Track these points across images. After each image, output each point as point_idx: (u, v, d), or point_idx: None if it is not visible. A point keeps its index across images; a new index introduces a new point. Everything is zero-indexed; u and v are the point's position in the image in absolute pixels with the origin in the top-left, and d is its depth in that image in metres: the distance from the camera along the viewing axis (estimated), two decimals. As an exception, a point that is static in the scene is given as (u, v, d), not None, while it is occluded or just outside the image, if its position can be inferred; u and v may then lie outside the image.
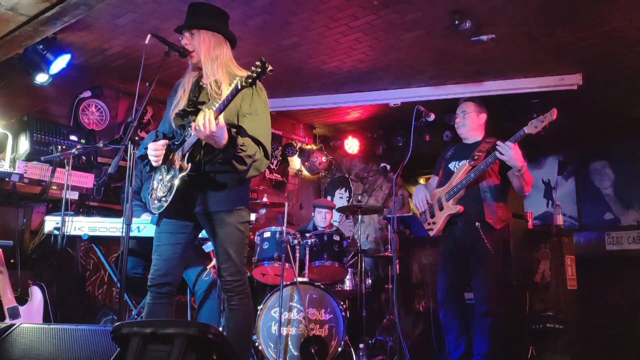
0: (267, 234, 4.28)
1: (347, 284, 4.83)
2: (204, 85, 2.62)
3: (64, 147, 4.49)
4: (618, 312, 5.71)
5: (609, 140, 6.72)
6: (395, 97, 5.48)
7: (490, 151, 3.50)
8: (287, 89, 5.54)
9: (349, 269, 4.73)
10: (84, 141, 4.71)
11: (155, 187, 2.63)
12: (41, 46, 4.16)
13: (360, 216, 5.04)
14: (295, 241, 4.24)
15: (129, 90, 5.27)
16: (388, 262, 5.19)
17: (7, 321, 3.41)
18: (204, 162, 2.54)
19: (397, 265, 3.96)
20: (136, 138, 2.44)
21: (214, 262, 3.54)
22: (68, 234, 3.41)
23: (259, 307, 3.94)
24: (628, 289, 5.82)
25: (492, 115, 3.86)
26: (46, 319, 3.76)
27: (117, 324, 1.85)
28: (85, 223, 3.45)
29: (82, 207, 4.76)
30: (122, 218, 2.73)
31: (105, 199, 5.01)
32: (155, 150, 2.55)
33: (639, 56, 4.54)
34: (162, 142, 2.58)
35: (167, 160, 2.60)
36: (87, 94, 5.04)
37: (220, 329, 3.36)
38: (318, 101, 5.73)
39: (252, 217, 3.27)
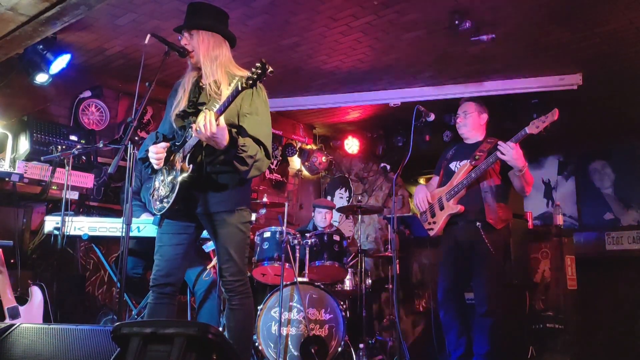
0: (267, 234, 4.28)
1: (347, 284, 4.83)
2: (204, 86, 2.62)
3: (64, 147, 4.49)
4: (618, 312, 5.71)
5: (609, 140, 6.72)
6: (395, 97, 5.48)
7: (492, 151, 3.50)
8: (287, 89, 5.55)
9: (349, 269, 4.73)
10: (84, 141, 4.71)
11: (156, 188, 2.63)
12: (41, 46, 4.16)
13: (360, 216, 5.04)
14: (295, 241, 4.24)
15: (129, 90, 5.27)
16: (388, 262, 5.19)
17: (7, 321, 3.41)
18: (205, 163, 2.54)
19: (397, 265, 3.96)
20: (136, 138, 2.45)
21: (214, 262, 3.54)
22: (68, 234, 3.41)
23: (259, 307, 3.94)
24: (628, 289, 5.81)
25: (492, 115, 3.86)
26: (46, 319, 3.75)
27: (117, 324, 1.85)
28: (85, 223, 3.45)
29: (82, 207, 4.76)
30: (122, 218, 2.73)
31: (105, 199, 5.01)
32: (156, 153, 2.55)
33: (639, 56, 4.54)
34: (163, 145, 2.58)
35: (168, 162, 2.60)
36: (87, 94, 5.04)
37: (220, 329, 3.36)
38: (318, 101, 5.73)
39: (253, 217, 3.27)
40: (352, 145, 6.98)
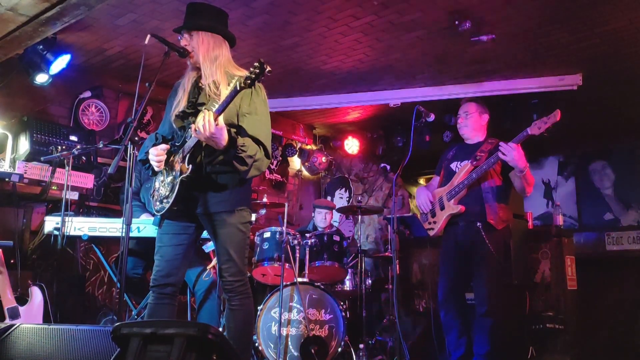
0: (267, 234, 4.28)
1: (347, 284, 4.83)
2: (203, 86, 2.62)
3: (64, 147, 4.49)
4: (618, 312, 5.71)
5: (609, 140, 6.72)
6: (395, 97, 5.48)
7: (493, 152, 3.50)
8: (287, 89, 5.55)
9: (349, 270, 4.73)
10: (84, 141, 4.71)
11: (156, 188, 2.63)
12: (41, 46, 4.16)
13: (360, 216, 5.04)
14: (295, 241, 4.24)
15: (129, 91, 5.27)
16: (388, 262, 5.18)
17: (7, 321, 3.41)
18: (204, 163, 2.54)
19: (397, 266, 3.96)
20: (136, 138, 2.45)
21: (214, 262, 3.54)
22: (68, 234, 3.41)
23: (259, 308, 3.94)
24: (628, 289, 5.81)
25: (492, 116, 3.86)
26: (46, 319, 3.75)
27: (117, 324, 1.85)
28: (85, 223, 3.45)
29: (82, 207, 4.76)
30: (122, 218, 2.73)
31: (105, 199, 5.01)
32: (156, 155, 2.55)
33: (639, 56, 4.54)
34: (163, 147, 2.57)
35: (168, 162, 2.60)
36: (87, 94, 5.04)
37: (220, 329, 3.36)
38: (318, 101, 5.73)
39: (253, 217, 3.27)
40: (352, 145, 6.98)
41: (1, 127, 4.52)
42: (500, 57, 4.62)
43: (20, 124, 4.53)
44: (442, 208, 3.66)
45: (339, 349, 3.90)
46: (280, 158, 6.76)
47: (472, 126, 3.73)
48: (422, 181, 8.68)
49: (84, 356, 2.17)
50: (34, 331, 2.33)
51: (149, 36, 2.62)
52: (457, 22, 3.93)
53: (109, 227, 3.44)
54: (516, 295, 4.44)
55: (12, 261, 4.11)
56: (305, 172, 7.15)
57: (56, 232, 3.43)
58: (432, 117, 3.79)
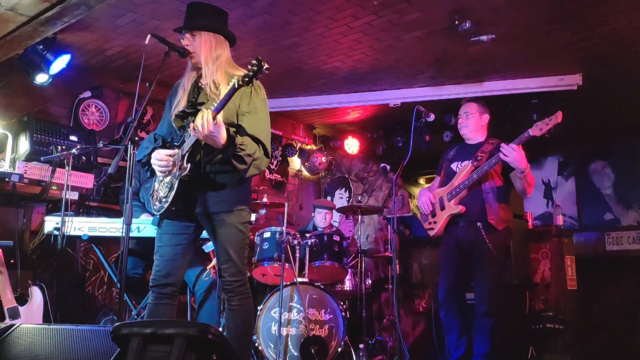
0: (267, 234, 4.28)
1: (347, 284, 4.83)
2: (203, 86, 2.63)
3: (63, 147, 4.49)
4: (618, 312, 5.71)
5: (609, 140, 6.72)
6: (395, 97, 5.48)
7: (493, 152, 3.50)
8: (287, 89, 5.55)
9: (349, 269, 4.73)
10: (84, 141, 4.70)
11: (156, 189, 2.63)
12: (41, 46, 4.16)
13: (360, 216, 5.04)
14: (295, 241, 4.24)
15: (129, 91, 5.27)
16: (388, 262, 5.19)
17: (7, 321, 3.41)
18: (203, 163, 2.54)
19: (397, 266, 3.96)
20: (136, 138, 2.45)
21: (213, 262, 3.54)
22: (68, 234, 3.41)
23: (259, 308, 3.94)
24: (628, 289, 5.81)
25: (492, 116, 3.86)
26: (46, 319, 3.75)
27: (117, 324, 1.85)
28: (85, 223, 3.45)
29: (82, 207, 4.76)
30: (121, 218, 2.73)
31: (105, 199, 5.00)
32: (160, 160, 2.54)
33: (639, 56, 4.54)
34: (169, 152, 2.56)
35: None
36: (87, 94, 5.04)
37: (220, 329, 3.36)
38: (318, 101, 5.73)
39: (252, 217, 3.27)
40: (352, 145, 6.98)
41: (1, 127, 4.52)
42: (500, 57, 4.62)
43: (20, 124, 4.53)
44: (443, 208, 3.66)
45: (339, 349, 3.91)
46: (280, 158, 6.76)
47: (472, 126, 3.73)
48: (422, 181, 8.68)
49: (84, 356, 2.17)
50: (34, 331, 2.33)
51: (149, 36, 2.62)
52: (457, 22, 3.93)
53: (109, 227, 3.44)
54: (516, 295, 4.44)
55: (12, 261, 4.11)
56: (305, 172, 7.15)
57: (56, 232, 3.43)
58: (432, 117, 3.79)
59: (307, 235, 4.42)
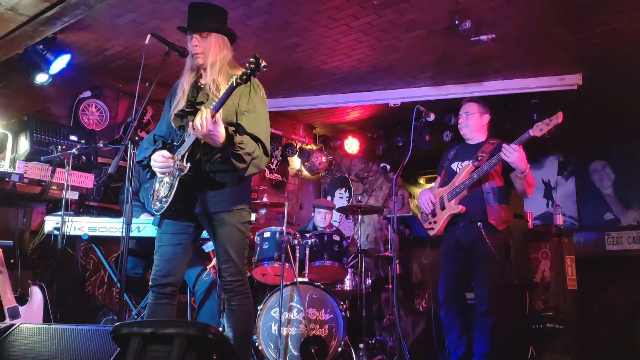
0: (267, 234, 4.28)
1: (347, 284, 4.83)
2: (202, 86, 2.63)
3: (64, 147, 4.49)
4: (618, 312, 5.71)
5: (609, 140, 6.71)
6: (395, 97, 5.48)
7: (494, 152, 3.50)
8: (287, 89, 5.55)
9: (349, 269, 4.72)
10: (84, 141, 4.70)
11: (157, 189, 2.63)
12: (41, 46, 4.16)
13: (360, 216, 5.04)
14: (295, 241, 4.24)
15: (129, 90, 5.27)
16: (388, 262, 5.19)
17: (7, 321, 3.41)
18: (203, 162, 2.54)
19: (397, 265, 3.96)
20: (136, 138, 2.45)
21: (214, 262, 3.54)
22: (68, 234, 3.41)
23: (259, 307, 3.94)
24: (628, 289, 5.81)
25: (492, 116, 3.86)
26: (46, 319, 3.76)
27: (117, 324, 1.85)
28: (85, 223, 3.45)
29: (82, 207, 4.76)
30: (122, 218, 2.73)
31: (105, 199, 5.00)
32: (160, 162, 2.54)
33: (639, 56, 4.54)
34: (168, 154, 2.56)
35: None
36: (87, 94, 5.04)
37: (220, 329, 3.36)
38: (318, 101, 5.73)
39: (252, 217, 3.27)
40: (352, 145, 6.98)
41: (1, 127, 4.52)
42: (500, 56, 4.62)
43: (20, 123, 4.53)
44: (443, 208, 3.66)
45: (339, 349, 3.90)
46: (280, 158, 6.76)
47: (473, 126, 3.72)
48: (422, 181, 8.68)
49: (84, 356, 2.17)
50: (34, 331, 2.33)
51: (149, 36, 2.62)
52: (457, 22, 3.93)
53: (109, 227, 3.44)
54: (516, 295, 4.44)
55: (12, 261, 4.11)
56: (305, 172, 7.15)
57: (56, 232, 3.43)
58: (432, 117, 3.79)
59: (307, 235, 4.42)
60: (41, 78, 4.33)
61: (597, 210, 6.81)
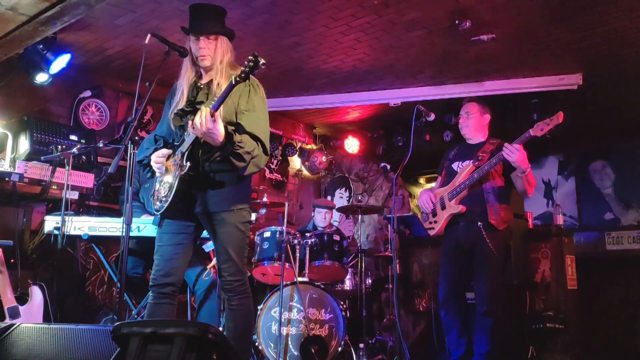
0: (267, 234, 4.28)
1: (347, 284, 4.83)
2: (202, 86, 2.64)
3: (64, 146, 4.49)
4: (618, 312, 5.70)
5: (609, 140, 6.72)
6: (395, 97, 5.48)
7: (495, 152, 3.50)
8: (287, 89, 5.54)
9: (349, 269, 4.72)
10: (84, 141, 4.70)
11: (157, 189, 2.64)
12: (41, 46, 4.15)
13: (360, 216, 5.04)
14: (296, 241, 4.24)
15: (129, 90, 5.27)
16: (388, 262, 5.18)
17: (7, 321, 3.41)
18: (202, 161, 2.54)
19: (397, 265, 3.96)
20: (136, 138, 2.45)
21: (214, 262, 3.54)
22: (68, 233, 3.41)
23: (259, 307, 3.94)
24: (628, 289, 5.81)
25: (492, 115, 3.86)
26: (46, 319, 3.75)
27: (117, 323, 1.85)
28: (85, 223, 3.45)
29: (82, 206, 4.76)
30: (122, 218, 2.73)
31: (105, 199, 5.00)
32: (157, 162, 2.55)
33: (639, 56, 4.54)
34: (164, 152, 2.56)
35: (166, 162, 2.60)
36: (87, 93, 5.04)
37: (220, 329, 3.36)
38: (318, 101, 5.73)
39: (252, 216, 3.27)
40: (352, 145, 6.98)
41: (1, 127, 4.52)
42: (500, 56, 4.62)
43: (21, 123, 4.53)
44: (443, 208, 3.66)
45: (339, 349, 3.90)
46: (281, 157, 6.76)
47: (473, 126, 3.72)
48: (422, 181, 8.68)
49: (84, 356, 2.17)
50: (34, 331, 2.33)
51: (149, 36, 2.62)
52: (457, 22, 3.93)
53: (109, 226, 3.44)
54: (516, 295, 4.44)
55: (12, 261, 4.11)
56: (305, 172, 7.15)
57: (56, 232, 3.43)
58: (432, 117, 3.79)
59: (307, 234, 4.42)
60: (41, 78, 4.33)
61: (597, 210, 6.82)
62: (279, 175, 6.78)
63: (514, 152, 3.32)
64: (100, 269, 4.93)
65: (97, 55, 4.61)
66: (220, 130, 2.36)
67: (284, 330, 3.91)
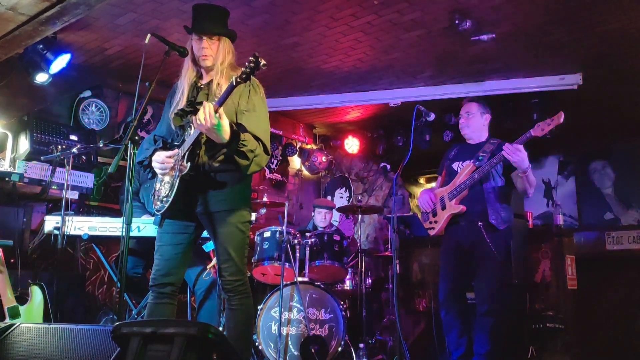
0: (267, 234, 4.28)
1: (347, 284, 4.83)
2: (202, 86, 2.65)
3: (64, 146, 4.49)
4: (618, 312, 5.70)
5: (609, 140, 6.72)
6: (395, 96, 5.47)
7: (495, 152, 3.50)
8: (287, 89, 5.54)
9: (349, 269, 4.72)
10: (84, 141, 4.71)
11: (157, 189, 2.64)
12: (41, 46, 4.15)
13: (360, 216, 5.04)
14: (296, 241, 4.24)
15: (129, 90, 5.27)
16: (388, 262, 5.19)
17: (7, 321, 3.41)
18: (203, 161, 2.54)
19: (397, 265, 3.96)
20: (136, 138, 2.45)
21: (214, 261, 3.54)
22: (68, 233, 3.41)
23: (259, 307, 3.94)
24: (628, 289, 5.80)
25: (492, 115, 3.86)
26: (46, 319, 3.75)
27: (117, 323, 1.85)
28: (85, 223, 3.45)
29: (82, 206, 4.76)
30: (122, 218, 2.73)
31: (105, 199, 5.00)
32: (161, 163, 2.54)
33: (639, 56, 4.54)
34: (168, 154, 2.56)
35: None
36: (87, 93, 5.04)
37: (220, 328, 3.36)
38: (318, 101, 5.73)
39: (253, 216, 3.27)
40: (352, 145, 6.98)
41: (1, 127, 4.52)
42: (500, 56, 4.62)
43: (21, 123, 4.54)
44: (444, 208, 3.66)
45: (339, 349, 3.90)
46: (281, 157, 6.76)
47: (473, 126, 3.72)
48: (422, 180, 8.68)
49: (84, 356, 2.17)
50: (34, 330, 2.33)
51: (149, 35, 2.62)
52: (457, 22, 3.93)
53: (109, 226, 3.45)
54: (516, 295, 4.44)
55: (12, 261, 4.11)
56: (305, 172, 7.15)
57: (56, 232, 3.43)
58: (432, 117, 3.79)
59: (307, 234, 4.42)
60: (41, 78, 4.33)
61: (597, 210, 6.82)
62: (279, 175, 6.78)
63: (514, 152, 3.32)
64: (100, 269, 4.93)
65: (97, 55, 4.61)
66: (225, 127, 2.37)
67: (284, 330, 3.91)
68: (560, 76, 4.91)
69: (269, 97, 2.73)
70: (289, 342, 3.89)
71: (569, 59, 4.65)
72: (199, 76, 2.69)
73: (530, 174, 3.45)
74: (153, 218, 2.68)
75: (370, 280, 5.06)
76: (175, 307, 2.62)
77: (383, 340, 4.91)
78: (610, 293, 5.79)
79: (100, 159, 4.95)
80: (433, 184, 4.00)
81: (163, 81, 3.69)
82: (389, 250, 5.24)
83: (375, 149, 6.77)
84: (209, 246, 3.70)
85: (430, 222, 3.75)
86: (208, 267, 3.61)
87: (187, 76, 2.67)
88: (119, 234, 3.20)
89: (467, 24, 3.92)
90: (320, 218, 5.25)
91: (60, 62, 4.34)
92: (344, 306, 4.22)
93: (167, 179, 2.57)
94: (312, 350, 3.81)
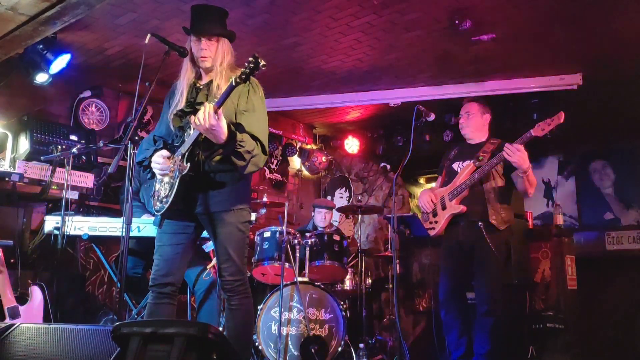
0: (267, 234, 4.28)
1: (347, 284, 4.83)
2: (201, 87, 2.65)
3: (64, 146, 4.49)
4: (618, 312, 5.71)
5: (609, 140, 6.71)
6: (395, 96, 5.47)
7: (495, 152, 3.50)
8: (287, 89, 5.54)
9: (349, 269, 4.72)
10: (84, 141, 4.71)
11: (157, 189, 2.64)
12: (41, 46, 4.15)
13: (360, 216, 5.04)
14: (296, 241, 4.24)
15: (129, 90, 5.27)
16: (388, 262, 5.19)
17: (7, 321, 3.41)
18: (203, 161, 2.55)
19: (397, 265, 3.96)
20: (136, 138, 2.45)
21: (214, 262, 3.54)
22: (68, 233, 3.41)
23: (259, 307, 3.94)
24: (628, 289, 5.81)
25: (492, 115, 3.86)
26: (46, 319, 3.75)
27: (117, 323, 1.85)
28: (85, 223, 3.45)
29: (82, 206, 4.76)
30: (122, 218, 2.73)
31: (105, 199, 5.00)
32: (159, 163, 2.55)
33: (639, 56, 4.54)
34: (168, 155, 2.57)
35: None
36: (87, 93, 5.04)
37: (220, 328, 3.36)
38: (318, 101, 5.73)
39: (253, 216, 3.27)
40: (352, 145, 6.98)
41: (1, 127, 4.52)
42: (500, 56, 4.62)
43: (21, 123, 4.53)
44: (444, 208, 3.66)
45: (339, 349, 3.90)
46: (281, 157, 6.76)
47: (474, 126, 3.72)
48: (422, 180, 8.68)
49: (84, 356, 2.17)
50: (34, 330, 2.33)
51: (149, 35, 2.62)
52: (457, 22, 3.93)
53: (109, 226, 3.45)
54: (516, 295, 4.44)
55: (12, 261, 4.11)
56: (305, 172, 7.15)
57: (56, 232, 3.43)
58: (432, 117, 3.79)
59: (307, 234, 4.42)
60: (41, 78, 4.33)
61: (597, 210, 6.81)
62: (279, 175, 6.78)
63: (514, 152, 3.32)
64: (100, 269, 4.93)
65: (97, 55, 4.61)
66: (223, 128, 2.37)
67: (284, 330, 3.91)
68: (560, 76, 4.91)
69: (269, 97, 2.73)
70: (289, 342, 3.89)
71: (569, 59, 4.65)
72: (198, 77, 2.70)
73: (531, 174, 3.45)
74: (153, 218, 2.68)
75: (370, 281, 5.06)
76: (175, 307, 2.62)
77: (383, 340, 4.91)
78: (610, 293, 5.80)
79: (100, 159, 4.95)
80: (433, 184, 4.00)
81: (163, 81, 3.68)
82: (389, 251, 5.24)
83: (375, 149, 6.77)
84: (209, 246, 3.70)
85: (431, 223, 3.75)
86: (208, 267, 3.61)
87: (186, 77, 2.68)
88: (119, 234, 3.20)
89: (467, 24, 3.92)
90: (320, 218, 5.25)
91: (60, 62, 4.34)
92: (344, 306, 4.22)
93: (166, 179, 2.57)
94: (312, 351, 3.81)
